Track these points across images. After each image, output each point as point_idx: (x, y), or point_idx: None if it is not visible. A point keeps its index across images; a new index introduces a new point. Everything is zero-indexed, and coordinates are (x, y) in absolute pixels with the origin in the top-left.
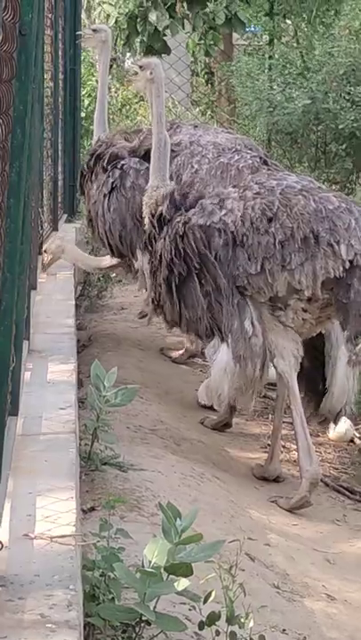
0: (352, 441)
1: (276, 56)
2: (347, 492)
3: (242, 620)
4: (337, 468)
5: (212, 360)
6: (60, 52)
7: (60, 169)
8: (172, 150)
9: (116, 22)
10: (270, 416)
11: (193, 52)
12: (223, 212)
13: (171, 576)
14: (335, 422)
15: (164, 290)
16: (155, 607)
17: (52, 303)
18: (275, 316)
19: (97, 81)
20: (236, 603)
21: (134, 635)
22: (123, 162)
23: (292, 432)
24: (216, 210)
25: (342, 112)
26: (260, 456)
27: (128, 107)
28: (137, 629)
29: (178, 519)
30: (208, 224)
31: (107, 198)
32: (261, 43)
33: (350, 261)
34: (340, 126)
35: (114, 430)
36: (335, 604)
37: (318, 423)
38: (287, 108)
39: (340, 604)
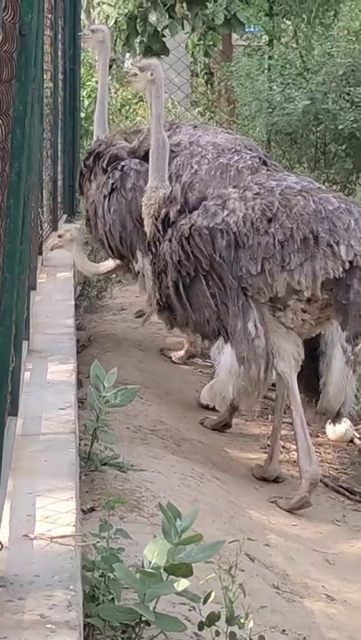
0: (352, 441)
1: (276, 56)
2: (346, 493)
3: (241, 621)
4: (337, 469)
5: (216, 361)
6: (59, 53)
7: (59, 169)
8: (172, 151)
9: (115, 23)
10: (270, 416)
11: (192, 52)
12: (225, 212)
13: (170, 576)
14: (335, 422)
15: (172, 292)
16: (154, 608)
17: (51, 303)
18: (276, 317)
19: (97, 82)
20: (236, 603)
21: (134, 635)
22: (123, 163)
23: (292, 432)
24: (219, 211)
25: (342, 112)
26: (260, 456)
27: (128, 107)
28: (137, 630)
29: (178, 520)
30: (212, 225)
31: (107, 199)
32: (261, 43)
33: (350, 262)
34: (340, 127)
35: (114, 431)
36: (335, 605)
37: (318, 423)
38: (286, 108)
39: (339, 604)
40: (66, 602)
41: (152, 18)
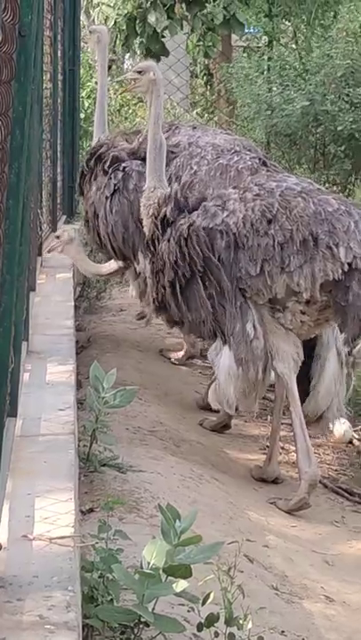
0: (351, 442)
1: (275, 57)
2: (345, 494)
3: (240, 622)
4: (336, 470)
5: (214, 363)
6: (59, 54)
7: (59, 170)
8: (171, 152)
9: (114, 24)
10: (269, 417)
11: (192, 53)
12: (225, 213)
13: (169, 577)
14: (318, 424)
15: (168, 292)
16: (153, 608)
17: (50, 304)
18: (275, 319)
19: (96, 82)
20: (235, 604)
21: (133, 636)
22: (124, 164)
23: (291, 433)
24: (218, 212)
25: (341, 114)
26: (259, 457)
27: (127, 108)
28: (135, 631)
29: (177, 521)
30: (211, 226)
31: (109, 200)
32: (260, 44)
33: (349, 264)
34: (339, 128)
35: (113, 431)
36: (334, 606)
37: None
38: (286, 109)
39: (338, 605)
40: (65, 603)
41: (151, 19)
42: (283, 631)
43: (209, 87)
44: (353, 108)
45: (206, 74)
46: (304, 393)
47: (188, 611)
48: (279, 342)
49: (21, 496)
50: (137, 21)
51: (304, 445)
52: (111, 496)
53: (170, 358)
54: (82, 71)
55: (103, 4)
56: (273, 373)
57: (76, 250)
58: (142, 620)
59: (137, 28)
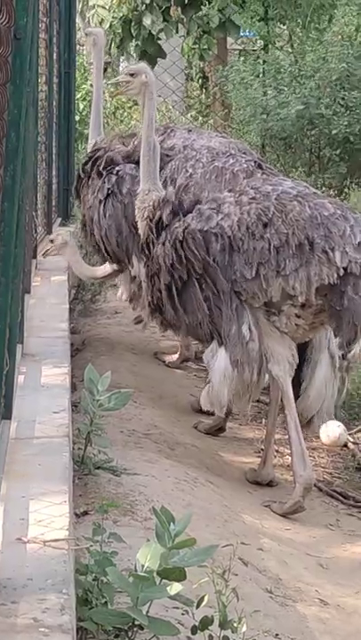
0: (345, 446)
1: (270, 61)
2: (340, 497)
3: (235, 625)
4: (330, 473)
5: (210, 365)
6: (54, 56)
7: (54, 172)
8: (167, 155)
9: (110, 26)
10: (264, 420)
11: (187, 56)
12: (220, 216)
13: (164, 580)
14: (308, 426)
15: (164, 295)
16: (147, 611)
17: (45, 307)
18: (270, 322)
19: (91, 85)
20: (229, 607)
21: (127, 639)
22: (118, 168)
23: (286, 436)
24: (213, 215)
25: (335, 117)
26: (254, 460)
27: (122, 110)
28: (130, 634)
29: (171, 523)
30: (206, 229)
31: (102, 204)
32: (256, 48)
33: (344, 268)
34: (334, 131)
35: (107, 434)
36: (328, 609)
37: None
38: (281, 113)
39: (332, 608)
40: (59, 605)
41: (147, 21)
42: (277, 634)
43: (204, 90)
44: (348, 112)
45: (202, 77)
46: (295, 396)
47: (183, 614)
48: (274, 345)
49: (16, 499)
50: (132, 24)
51: (299, 449)
52: (106, 499)
53: (164, 361)
54: (77, 74)
55: (99, 6)
56: (267, 376)
57: (71, 252)
58: (136, 622)
59: (132, 31)
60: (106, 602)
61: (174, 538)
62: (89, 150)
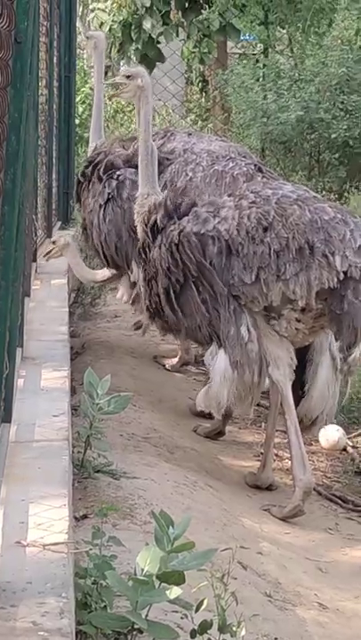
0: (345, 450)
1: (270, 65)
2: (339, 501)
3: (234, 629)
4: (330, 477)
5: (210, 367)
6: (55, 60)
7: (54, 176)
8: (166, 158)
9: (110, 30)
10: (263, 424)
11: (187, 60)
12: (217, 220)
13: (163, 584)
14: (311, 428)
15: (162, 299)
16: (147, 615)
17: (45, 310)
18: (270, 326)
19: (90, 88)
20: (228, 611)
21: None
22: (118, 172)
23: (285, 440)
24: (210, 218)
25: (335, 121)
26: (253, 464)
27: (122, 115)
28: (129, 637)
29: (170, 527)
30: (202, 232)
31: (102, 209)
32: (256, 52)
33: (345, 272)
34: (333, 135)
35: (107, 438)
36: (327, 613)
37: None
38: (280, 117)
39: (332, 612)
40: (58, 609)
41: (147, 25)
42: (276, 638)
43: (204, 94)
44: (347, 116)
45: (202, 81)
46: (297, 397)
47: (182, 617)
48: (274, 348)
49: (15, 502)
50: (132, 27)
51: (299, 453)
52: (105, 502)
53: (164, 365)
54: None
55: (99, 9)
56: (268, 380)
57: (73, 254)
58: (136, 626)
59: (132, 35)
60: (105, 605)
61: (173, 541)
62: (89, 154)
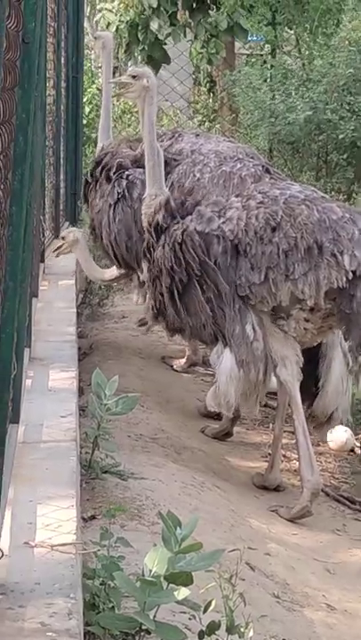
0: (352, 450)
1: (278, 65)
2: (347, 502)
3: (242, 630)
4: (337, 478)
5: (216, 366)
6: (62, 60)
7: (61, 176)
8: (174, 159)
9: (117, 30)
10: (271, 425)
11: (195, 60)
12: (222, 219)
13: (171, 585)
14: (327, 425)
15: (166, 298)
16: (155, 616)
17: (53, 311)
18: (278, 326)
19: (97, 89)
20: (236, 612)
21: None
22: (128, 172)
23: (293, 441)
24: (215, 217)
25: (342, 122)
26: (261, 465)
27: (129, 115)
28: (137, 638)
29: (178, 528)
30: (207, 231)
31: (112, 208)
32: (263, 52)
33: (353, 272)
34: (341, 136)
35: (114, 439)
36: (335, 614)
37: (313, 427)
38: (288, 117)
39: (340, 613)
40: (66, 610)
41: (154, 25)
42: (284, 639)
43: (212, 95)
44: (355, 117)
45: (209, 81)
46: (311, 394)
47: (190, 618)
48: (281, 348)
49: (23, 503)
50: (139, 28)
51: (307, 453)
52: (113, 503)
53: (172, 365)
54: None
55: (106, 10)
56: (275, 380)
57: (82, 251)
58: (143, 627)
59: (139, 36)
60: (113, 606)
61: (181, 542)
62: (97, 154)
